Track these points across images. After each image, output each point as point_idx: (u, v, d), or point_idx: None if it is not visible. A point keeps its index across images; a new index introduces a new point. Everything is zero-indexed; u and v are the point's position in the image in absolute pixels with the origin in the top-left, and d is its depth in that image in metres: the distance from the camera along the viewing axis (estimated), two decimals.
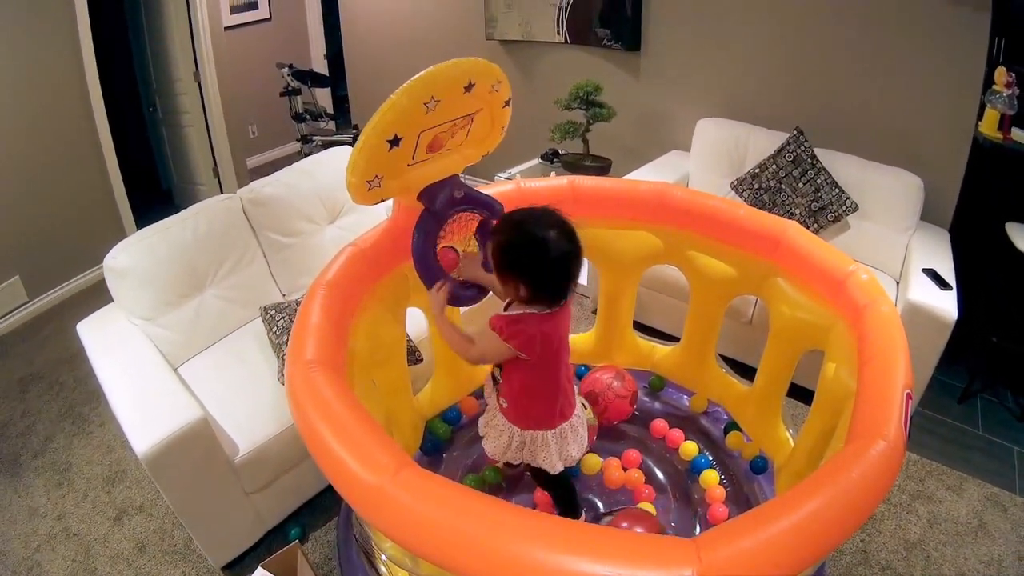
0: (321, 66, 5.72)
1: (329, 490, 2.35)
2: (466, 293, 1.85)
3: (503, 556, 1.02)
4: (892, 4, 3.23)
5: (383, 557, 1.77)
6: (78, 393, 3.02)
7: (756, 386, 2.39)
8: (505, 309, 1.61)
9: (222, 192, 2.55)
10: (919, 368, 2.64)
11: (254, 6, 5.20)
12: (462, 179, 1.85)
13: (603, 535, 1.05)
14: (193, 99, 4.46)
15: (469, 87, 1.58)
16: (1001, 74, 3.60)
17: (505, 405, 1.72)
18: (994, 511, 2.72)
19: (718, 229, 2.22)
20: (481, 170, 1.71)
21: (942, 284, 2.75)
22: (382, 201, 1.71)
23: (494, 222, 1.81)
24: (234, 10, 4.81)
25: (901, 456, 1.27)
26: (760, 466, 2.28)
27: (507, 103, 1.80)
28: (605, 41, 4.07)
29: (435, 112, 1.52)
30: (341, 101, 5.54)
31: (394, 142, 1.49)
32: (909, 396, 1.41)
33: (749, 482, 2.28)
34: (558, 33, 4.22)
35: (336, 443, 1.20)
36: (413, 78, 1.42)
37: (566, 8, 4.12)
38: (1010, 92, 3.60)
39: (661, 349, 2.70)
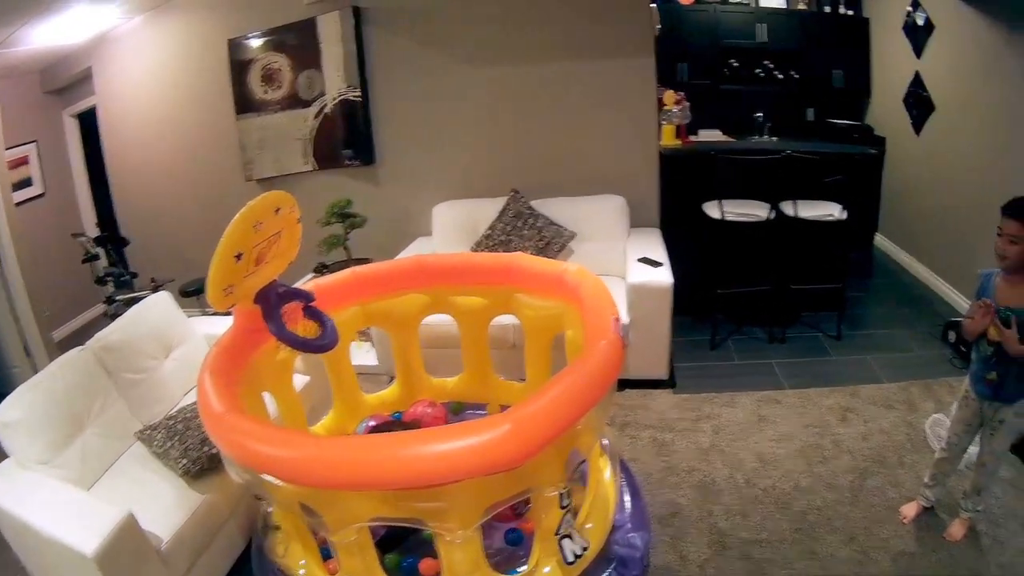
0: (94, 232, 5.93)
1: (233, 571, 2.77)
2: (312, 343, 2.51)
3: (396, 461, 1.68)
4: (581, 69, 4.20)
5: (300, 573, 2.30)
6: None
7: (529, 378, 3.11)
8: None
9: (37, 371, 2.91)
10: (659, 327, 3.57)
11: (28, 183, 5.43)
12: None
13: (448, 429, 1.77)
14: None
15: (277, 211, 2.30)
16: (670, 96, 4.84)
17: None
18: (769, 406, 3.40)
19: (465, 275, 3.04)
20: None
21: (654, 264, 3.67)
22: (233, 306, 2.33)
23: (311, 304, 2.55)
24: (13, 188, 4.91)
25: (620, 348, 2.07)
26: None
27: (299, 220, 2.54)
28: (347, 161, 4.84)
29: (260, 231, 2.21)
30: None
31: (238, 257, 2.15)
32: (616, 320, 2.23)
33: None
34: (307, 162, 4.93)
35: (269, 447, 1.79)
36: (242, 209, 2.10)
37: (310, 139, 4.86)
38: (680, 107, 4.86)
39: (451, 380, 3.34)
